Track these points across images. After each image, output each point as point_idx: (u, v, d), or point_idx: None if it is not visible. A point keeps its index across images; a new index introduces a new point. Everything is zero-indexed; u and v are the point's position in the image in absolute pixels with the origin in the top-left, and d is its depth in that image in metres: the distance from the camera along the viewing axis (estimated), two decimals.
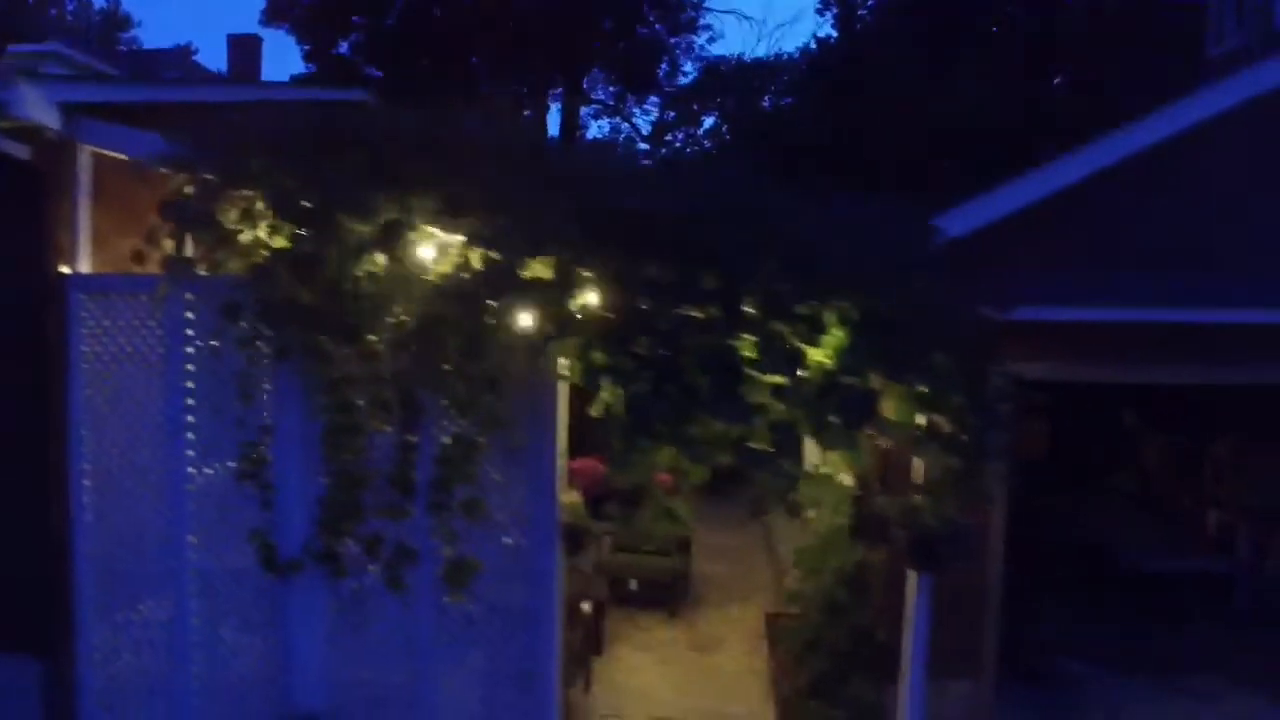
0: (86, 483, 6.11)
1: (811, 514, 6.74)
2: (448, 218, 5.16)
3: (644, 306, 4.88)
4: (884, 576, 6.72)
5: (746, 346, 4.82)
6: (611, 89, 24.99)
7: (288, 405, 5.84)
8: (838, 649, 6.77)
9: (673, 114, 26.59)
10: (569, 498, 5.79)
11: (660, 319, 4.84)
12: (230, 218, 5.42)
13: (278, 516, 5.94)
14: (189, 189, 5.40)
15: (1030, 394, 11.84)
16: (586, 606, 7.40)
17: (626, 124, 25.44)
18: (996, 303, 5.66)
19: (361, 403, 5.75)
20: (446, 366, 5.45)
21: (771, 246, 4.91)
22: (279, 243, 5.35)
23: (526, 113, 23.07)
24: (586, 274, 5.00)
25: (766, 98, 26.63)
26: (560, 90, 24.03)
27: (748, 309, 4.83)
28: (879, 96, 19.02)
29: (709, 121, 26.46)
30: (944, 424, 5.10)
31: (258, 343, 5.65)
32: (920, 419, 5.08)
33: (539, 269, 5.04)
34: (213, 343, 5.86)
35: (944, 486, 5.14)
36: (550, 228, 4.95)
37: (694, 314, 4.84)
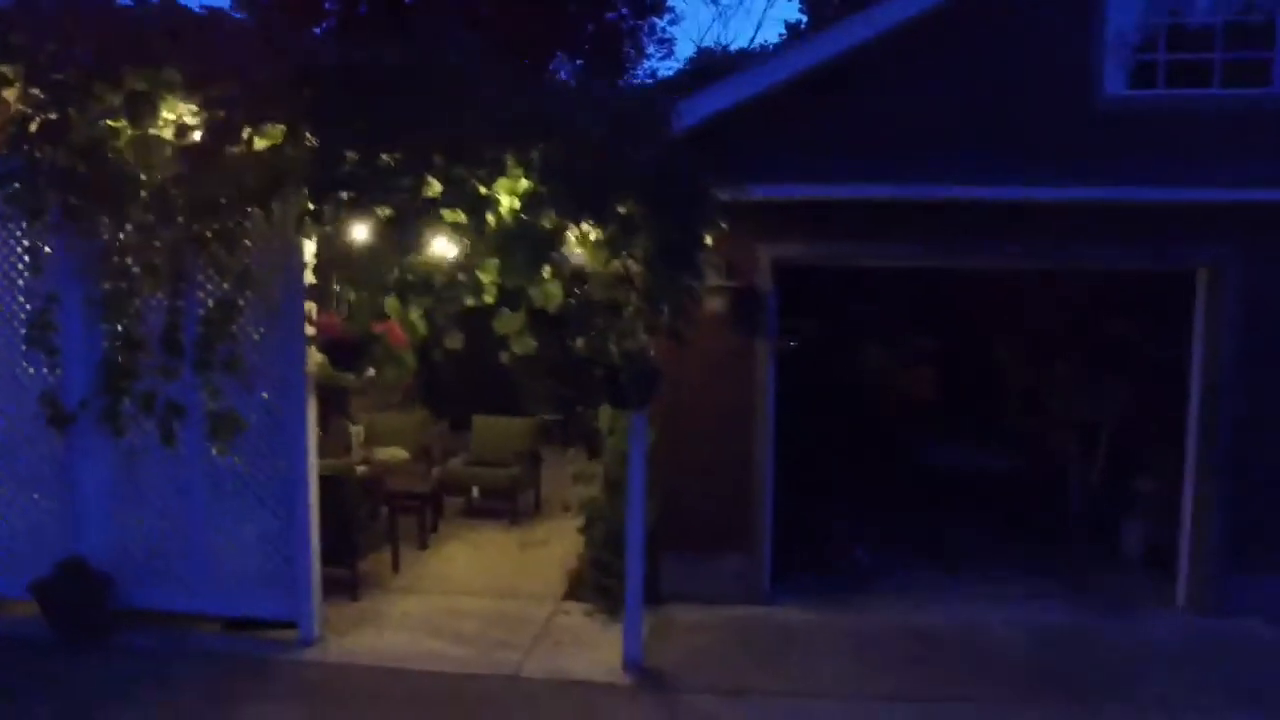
0: None
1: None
2: (189, 89, 5.64)
3: (348, 156, 5.31)
4: (658, 454, 7.05)
5: (431, 189, 5.24)
6: (576, 73, 25.47)
7: (71, 275, 6.32)
8: (616, 523, 7.09)
9: None
10: (317, 357, 6.21)
11: (357, 168, 5.28)
12: None
13: (65, 380, 6.44)
14: None
15: (920, 344, 12.18)
16: (403, 454, 7.80)
17: None
18: (720, 177, 5.98)
19: (135, 269, 6.25)
20: (208, 233, 5.96)
21: (465, 102, 5.32)
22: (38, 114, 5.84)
23: None
24: (303, 133, 5.45)
25: None
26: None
27: (436, 156, 5.25)
28: None
29: None
30: (632, 267, 5.48)
31: (33, 212, 6.15)
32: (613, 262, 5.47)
33: (265, 133, 5.49)
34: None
35: (633, 325, 5.49)
36: (269, 94, 5.41)
37: (387, 161, 5.27)
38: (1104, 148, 6.66)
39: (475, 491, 9.42)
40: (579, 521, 7.69)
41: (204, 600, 6.50)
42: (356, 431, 9.30)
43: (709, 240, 5.83)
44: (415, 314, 5.70)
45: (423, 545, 8.42)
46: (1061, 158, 6.61)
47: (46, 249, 6.42)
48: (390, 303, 5.75)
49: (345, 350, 5.94)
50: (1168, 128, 6.69)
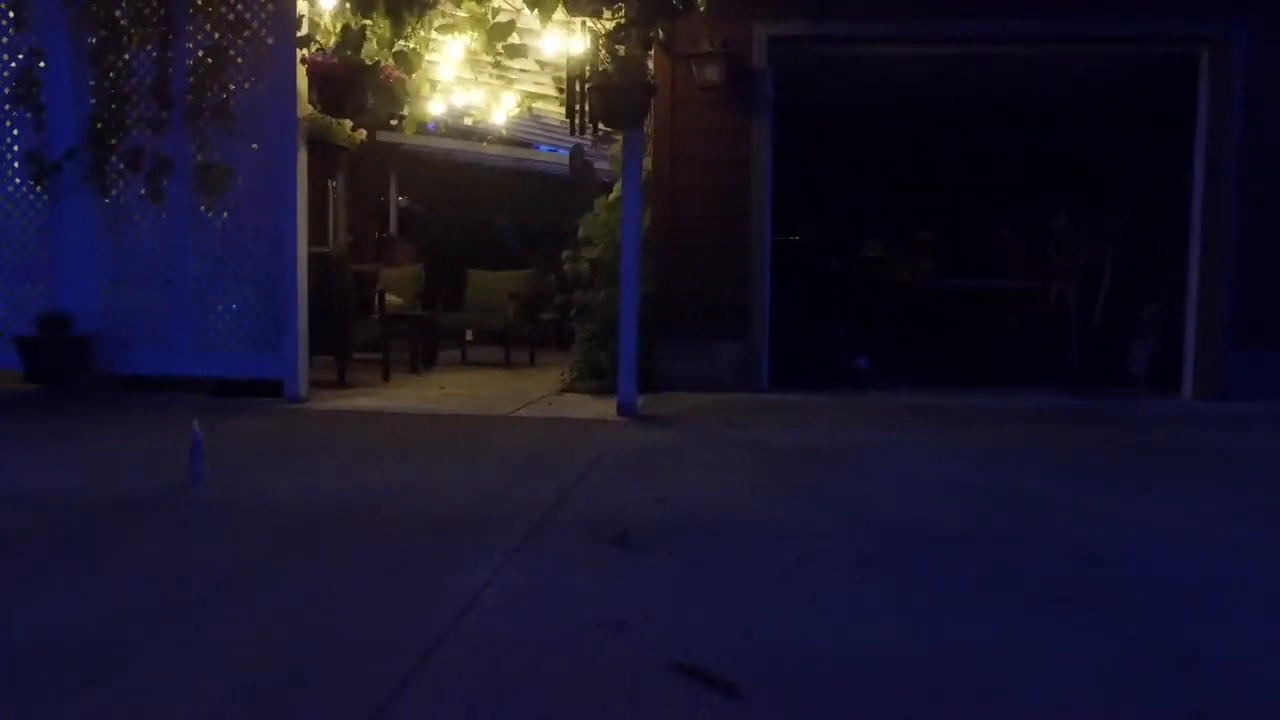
0: None
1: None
2: None
3: None
4: (654, 238, 6.95)
5: None
6: None
7: (57, 28, 6.24)
8: (613, 309, 6.94)
9: None
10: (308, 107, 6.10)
11: None
12: None
13: (50, 139, 6.32)
14: None
15: (918, 236, 12.06)
16: (399, 300, 7.67)
17: None
18: None
19: (124, 20, 6.19)
20: None
21: None
22: None
23: None
24: None
25: None
26: None
27: None
28: None
29: None
30: None
31: None
32: None
33: None
34: None
35: (628, 34, 5.40)
36: None
37: None
38: None
39: (469, 335, 9.27)
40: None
41: (188, 363, 6.34)
42: None
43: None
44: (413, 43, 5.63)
45: (414, 371, 8.26)
46: None
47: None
48: (380, 26, 5.67)
49: (334, 85, 5.81)
50: None
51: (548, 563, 2.68)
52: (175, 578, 2.54)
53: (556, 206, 13.22)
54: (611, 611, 2.25)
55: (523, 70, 8.83)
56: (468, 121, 10.31)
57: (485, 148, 12.28)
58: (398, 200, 13.19)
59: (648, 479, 3.92)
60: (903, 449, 4.79)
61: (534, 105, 10.07)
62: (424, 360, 8.56)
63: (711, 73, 6.70)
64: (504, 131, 10.92)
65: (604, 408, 6.09)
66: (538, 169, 13.21)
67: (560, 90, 9.28)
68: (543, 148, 13.25)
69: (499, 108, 9.68)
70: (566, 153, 13.08)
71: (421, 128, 9.53)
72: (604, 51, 5.49)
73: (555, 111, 10.48)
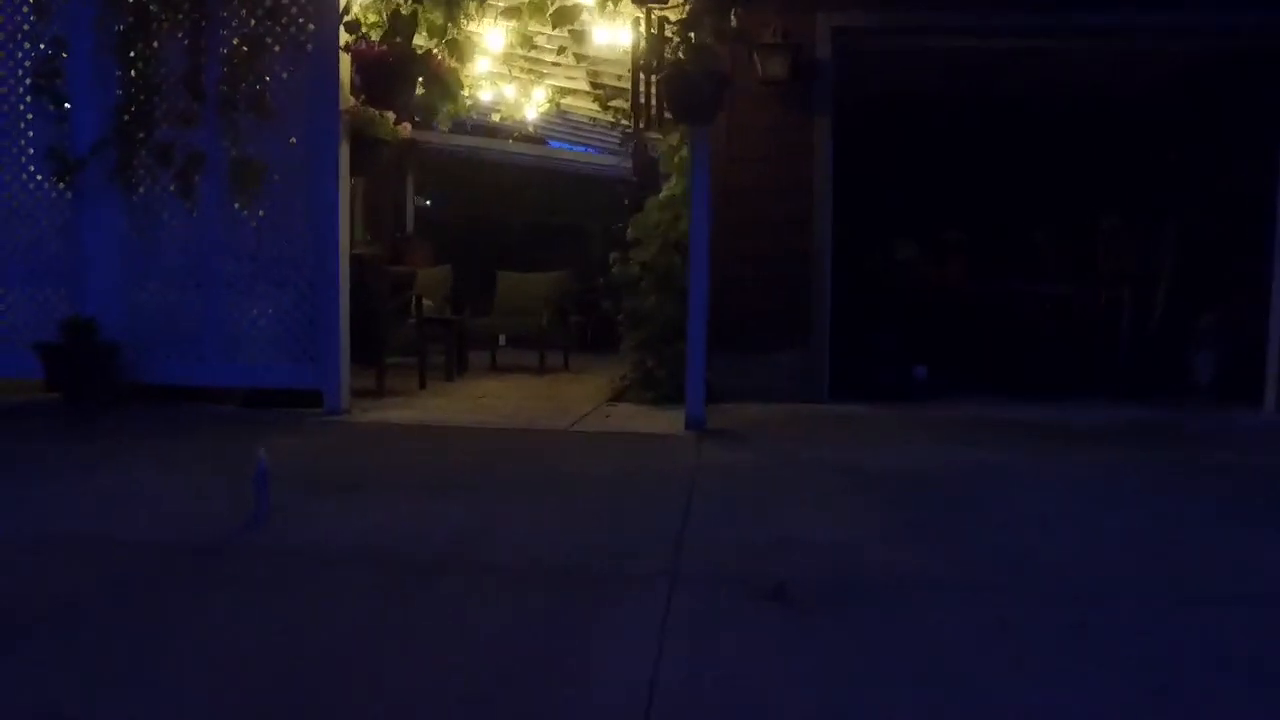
0: None
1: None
2: None
3: None
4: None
5: None
6: None
7: (80, 15, 5.82)
8: (666, 315, 6.57)
9: None
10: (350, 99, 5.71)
11: None
12: None
13: (72, 134, 5.91)
14: None
15: (950, 236, 11.69)
16: (429, 303, 7.31)
17: None
18: None
19: (153, 6, 5.79)
20: None
21: None
22: None
23: None
24: None
25: None
26: None
27: None
28: None
29: None
30: None
31: None
32: None
33: None
34: None
35: (700, 22, 5.03)
36: None
37: None
38: None
39: (502, 340, 8.89)
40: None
41: (220, 371, 5.94)
42: None
43: None
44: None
45: (449, 378, 7.89)
46: None
47: None
48: (431, 12, 5.29)
49: (383, 74, 5.42)
50: None
51: (713, 632, 2.30)
52: (264, 657, 2.15)
53: (581, 206, 12.87)
54: (825, 706, 1.88)
55: (554, 64, 8.47)
56: (495, 118, 9.95)
57: (510, 145, 11.90)
58: (414, 199, 12.80)
59: (756, 512, 3.56)
60: (1007, 475, 4.42)
61: (563, 101, 9.73)
62: (457, 365, 8.18)
63: (776, 65, 6.33)
64: (531, 128, 10.55)
65: (667, 421, 5.72)
66: (562, 167, 12.84)
67: (594, 85, 8.93)
68: (558, 144, 12.90)
69: (530, 103, 9.31)
70: (593, 151, 12.73)
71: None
72: (676, 39, 5.11)
73: (584, 107, 10.12)
